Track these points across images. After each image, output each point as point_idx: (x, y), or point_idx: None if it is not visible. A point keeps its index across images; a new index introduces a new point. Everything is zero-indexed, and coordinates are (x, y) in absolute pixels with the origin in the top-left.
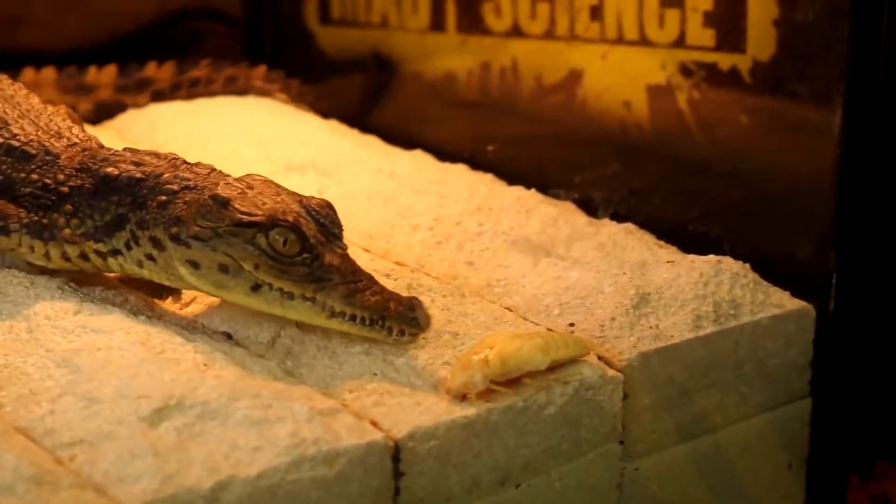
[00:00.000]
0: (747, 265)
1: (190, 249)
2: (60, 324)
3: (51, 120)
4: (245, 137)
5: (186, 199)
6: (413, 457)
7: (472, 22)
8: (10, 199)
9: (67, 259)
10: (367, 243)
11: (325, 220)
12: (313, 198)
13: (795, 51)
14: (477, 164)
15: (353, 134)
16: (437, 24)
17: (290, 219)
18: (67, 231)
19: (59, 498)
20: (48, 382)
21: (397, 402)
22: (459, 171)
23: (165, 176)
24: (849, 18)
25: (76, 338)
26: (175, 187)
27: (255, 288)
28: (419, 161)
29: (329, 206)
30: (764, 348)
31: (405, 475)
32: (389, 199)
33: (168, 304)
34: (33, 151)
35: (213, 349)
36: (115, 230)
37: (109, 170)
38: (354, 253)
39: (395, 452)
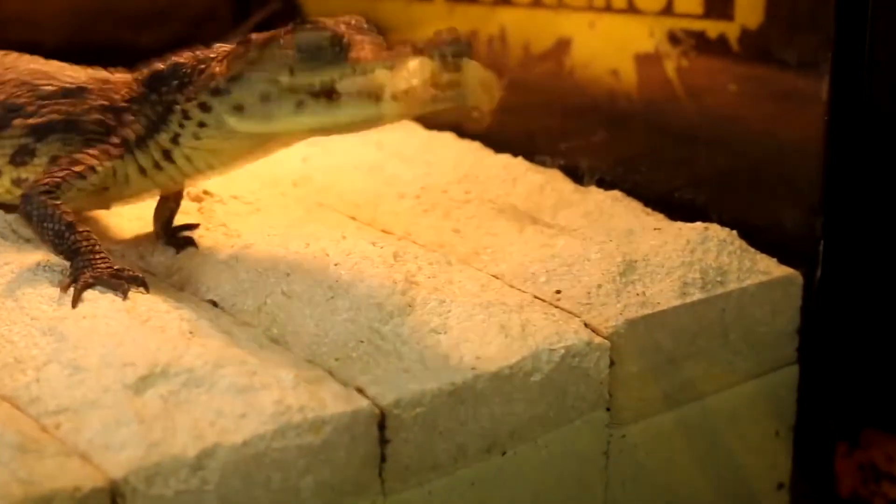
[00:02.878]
0: (734, 232)
1: (231, 95)
2: (46, 292)
3: (92, 70)
4: None
5: (219, 59)
6: (399, 424)
7: None
8: (78, 135)
9: (144, 173)
10: (353, 212)
11: (354, 21)
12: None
13: (783, 18)
14: (464, 132)
15: None
16: None
17: (306, 19)
18: (135, 137)
19: (43, 466)
20: (33, 350)
21: (383, 370)
22: (446, 139)
23: (200, 53)
24: None
25: (61, 306)
26: (211, 54)
27: (300, 104)
28: (406, 130)
29: (359, 18)
30: (751, 315)
31: (391, 442)
32: (376, 169)
33: (154, 271)
34: (90, 86)
35: (199, 317)
36: (168, 115)
37: (156, 65)
38: (340, 221)
39: (381, 420)
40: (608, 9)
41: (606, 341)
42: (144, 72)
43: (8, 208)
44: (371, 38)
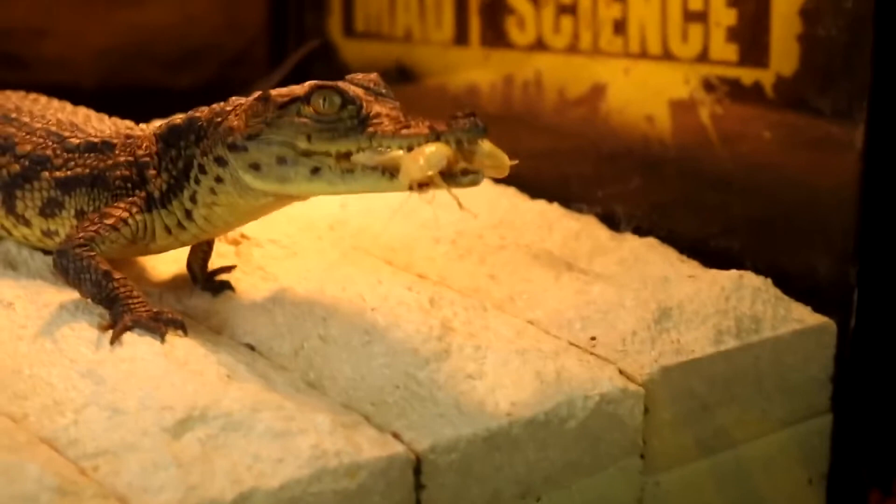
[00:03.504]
0: (769, 280)
1: (248, 152)
2: (84, 335)
3: (116, 121)
4: None
5: (237, 112)
6: (434, 469)
7: (495, 36)
8: (105, 189)
9: (168, 231)
10: (389, 256)
11: (369, 83)
12: (362, 74)
13: (818, 67)
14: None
15: None
16: (461, 37)
17: (327, 83)
18: (158, 193)
19: None
20: (72, 393)
21: (419, 415)
22: (482, 184)
23: (216, 107)
24: (871, 34)
25: (100, 349)
26: (228, 107)
27: (315, 171)
28: None
29: (375, 76)
30: (785, 363)
31: (426, 488)
32: (412, 213)
33: (192, 315)
34: (114, 141)
35: (237, 361)
36: (188, 170)
37: (175, 121)
38: (376, 265)
39: (417, 465)
40: (643, 55)
41: (641, 388)
42: (163, 127)
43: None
44: (389, 108)
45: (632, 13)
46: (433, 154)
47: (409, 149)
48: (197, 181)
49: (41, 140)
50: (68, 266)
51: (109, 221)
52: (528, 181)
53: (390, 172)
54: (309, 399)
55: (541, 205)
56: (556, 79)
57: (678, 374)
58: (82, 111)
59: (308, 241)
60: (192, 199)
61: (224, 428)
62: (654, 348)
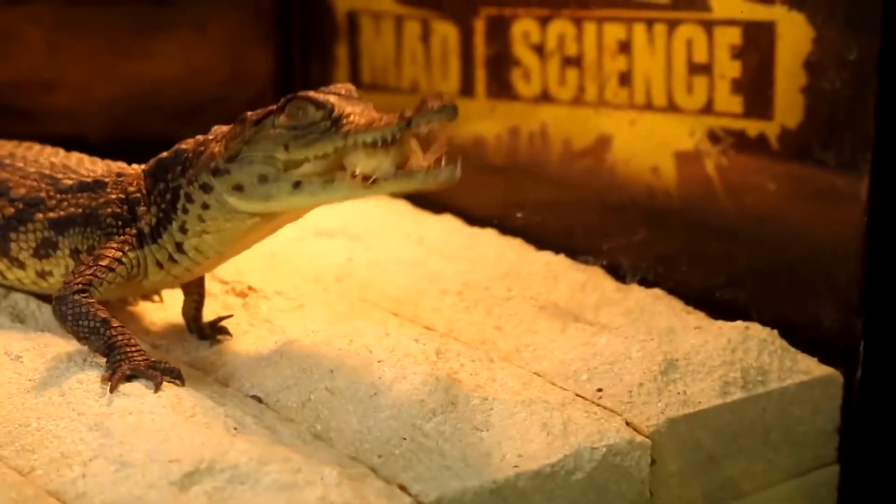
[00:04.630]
0: (775, 332)
1: (230, 174)
2: (92, 387)
3: (107, 163)
4: None
5: (218, 139)
6: None
7: (501, 87)
8: (97, 227)
9: (160, 266)
10: (396, 308)
11: (341, 91)
12: (335, 85)
13: (823, 119)
14: (506, 228)
15: (382, 198)
16: (467, 89)
17: (298, 94)
18: (148, 228)
19: None
20: (80, 446)
21: (426, 467)
22: (488, 236)
23: (200, 137)
24: (875, 86)
25: (108, 401)
26: (210, 136)
27: (297, 185)
28: (448, 226)
29: (349, 86)
30: (792, 415)
31: None
32: (418, 264)
33: (199, 367)
34: (106, 179)
35: (244, 413)
36: (175, 202)
37: (162, 156)
38: (383, 317)
39: None
40: (649, 107)
41: (648, 440)
42: (151, 162)
43: (45, 298)
44: (362, 108)
45: (637, 66)
46: (381, 160)
47: (384, 140)
48: (185, 210)
49: (35, 183)
50: (67, 312)
51: (104, 263)
52: (533, 232)
53: (372, 179)
54: (316, 451)
55: (547, 256)
56: (562, 130)
57: (685, 426)
58: (75, 155)
59: (315, 293)
60: (182, 230)
61: (231, 481)
62: (660, 400)
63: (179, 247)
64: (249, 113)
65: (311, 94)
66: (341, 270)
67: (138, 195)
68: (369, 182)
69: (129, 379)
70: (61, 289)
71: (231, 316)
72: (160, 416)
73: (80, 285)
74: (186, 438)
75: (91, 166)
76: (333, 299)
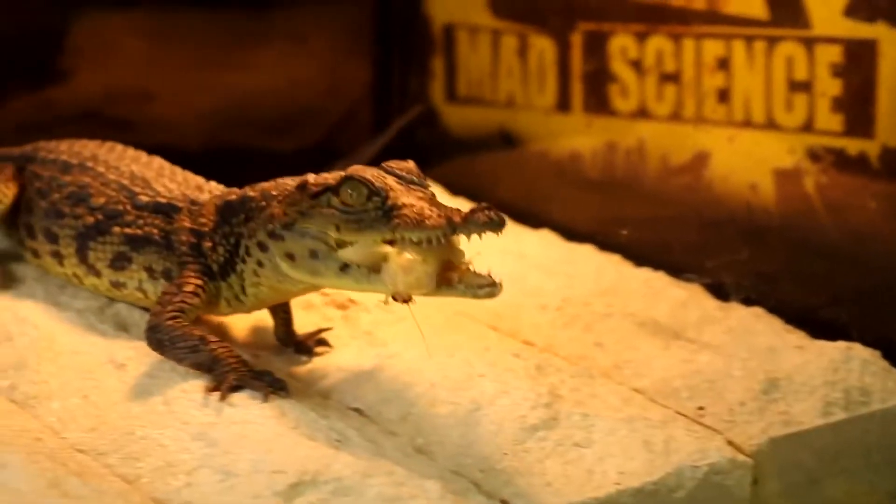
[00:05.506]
0: (878, 352)
1: (284, 241)
2: (196, 397)
3: (188, 177)
4: None
5: (279, 198)
6: None
7: (598, 103)
8: (171, 252)
9: (229, 303)
10: (495, 322)
11: (401, 171)
12: (398, 161)
13: None
14: (604, 244)
15: None
16: (564, 103)
17: (356, 174)
18: (216, 266)
19: None
20: (185, 455)
21: (527, 483)
22: (587, 251)
23: (267, 188)
24: None
25: (212, 411)
26: (275, 192)
27: (344, 268)
28: (546, 241)
29: (411, 165)
30: (894, 435)
31: None
32: (517, 279)
33: (300, 379)
34: (180, 205)
35: (346, 425)
36: (237, 248)
37: (231, 197)
38: (482, 332)
39: None
40: (748, 124)
41: (750, 459)
42: (221, 200)
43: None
44: (417, 198)
45: (736, 82)
46: (420, 276)
47: (429, 241)
48: (244, 261)
49: (114, 193)
50: (163, 339)
51: (189, 289)
52: (631, 248)
53: (416, 277)
54: (418, 465)
55: (646, 272)
56: (659, 146)
57: (786, 446)
58: (156, 163)
59: (414, 306)
60: (241, 277)
61: (335, 493)
62: (762, 419)
63: (243, 289)
64: (311, 180)
65: (369, 176)
66: None
67: (206, 230)
68: (405, 297)
69: (235, 389)
70: (152, 318)
71: (331, 329)
72: (264, 427)
73: (173, 312)
74: (290, 450)
75: (169, 183)
76: (433, 313)
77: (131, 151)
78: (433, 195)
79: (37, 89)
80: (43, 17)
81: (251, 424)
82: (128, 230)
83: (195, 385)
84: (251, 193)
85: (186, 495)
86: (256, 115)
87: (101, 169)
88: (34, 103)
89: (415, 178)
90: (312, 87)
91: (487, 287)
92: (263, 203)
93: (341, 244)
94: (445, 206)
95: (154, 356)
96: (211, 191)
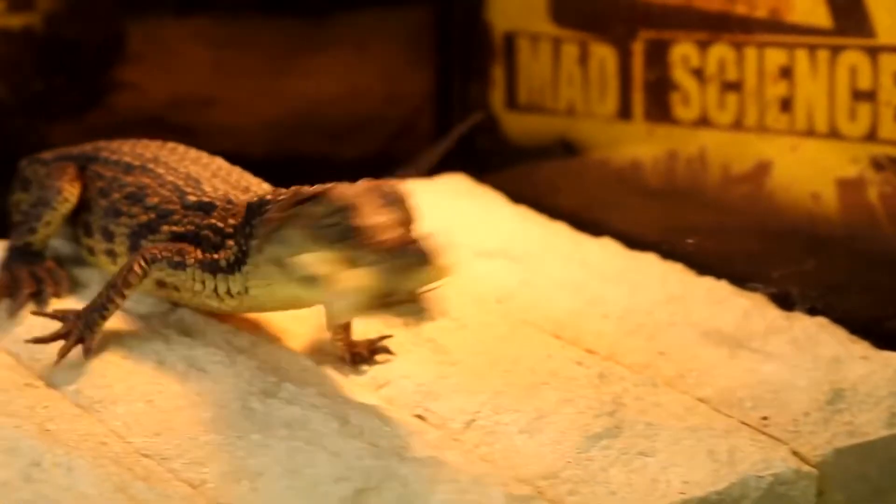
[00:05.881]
0: None
1: (272, 246)
2: (260, 404)
3: (242, 178)
4: (431, 223)
5: (279, 205)
6: None
7: (659, 111)
8: (198, 245)
9: (231, 295)
10: (557, 330)
11: (388, 192)
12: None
13: None
14: (666, 253)
15: (542, 220)
16: (625, 112)
17: (331, 188)
18: (224, 262)
19: None
20: (249, 460)
21: (591, 491)
22: (648, 260)
23: (285, 192)
24: None
25: (276, 418)
26: (282, 198)
27: (308, 280)
28: (608, 249)
29: (398, 185)
30: None
31: None
32: (579, 288)
33: (361, 386)
34: (217, 203)
35: (409, 432)
36: (249, 246)
37: (253, 199)
38: (544, 339)
39: None
40: (810, 133)
41: (814, 470)
42: (249, 202)
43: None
44: (386, 219)
45: (799, 91)
46: (351, 304)
47: (383, 264)
48: (248, 261)
49: (168, 194)
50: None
51: (174, 248)
52: (694, 257)
53: (367, 300)
54: (482, 473)
55: (709, 282)
56: (721, 155)
57: (852, 457)
58: (216, 164)
59: (477, 313)
60: (245, 276)
61: (400, 500)
62: (827, 429)
63: (246, 288)
64: (303, 189)
65: (339, 192)
66: (502, 292)
67: (230, 229)
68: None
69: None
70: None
71: (392, 336)
72: (327, 434)
73: (146, 254)
74: (355, 456)
75: (219, 184)
76: (495, 321)
77: (193, 152)
78: (409, 220)
79: (102, 96)
80: (108, 24)
81: (315, 431)
82: (175, 228)
83: (258, 390)
84: (269, 197)
85: (251, 501)
86: (318, 122)
87: (160, 170)
88: (100, 110)
89: (394, 198)
90: (373, 94)
91: (418, 317)
92: (268, 206)
93: (310, 256)
94: (409, 235)
95: (217, 360)
96: (257, 192)
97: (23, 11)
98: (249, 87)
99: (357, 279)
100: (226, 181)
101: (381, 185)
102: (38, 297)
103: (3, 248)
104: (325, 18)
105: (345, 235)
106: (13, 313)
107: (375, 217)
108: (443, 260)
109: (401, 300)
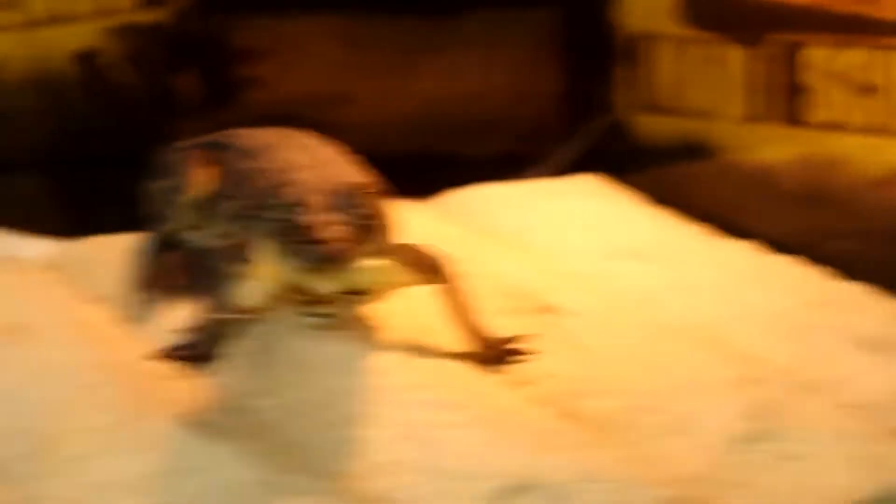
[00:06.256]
0: None
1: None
2: (406, 397)
3: (339, 170)
4: (569, 223)
5: None
6: None
7: (791, 114)
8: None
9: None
10: (698, 333)
11: (343, 193)
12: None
13: None
14: (806, 257)
15: (676, 222)
16: (754, 114)
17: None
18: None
19: None
20: (392, 456)
21: (736, 495)
22: (790, 263)
23: None
24: None
25: (418, 412)
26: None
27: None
28: (748, 252)
29: (365, 183)
30: None
31: None
32: (720, 290)
33: (504, 385)
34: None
35: (558, 429)
36: None
37: None
38: (684, 342)
39: None
40: None
41: None
42: None
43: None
44: (329, 220)
45: None
46: (252, 292)
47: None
48: None
49: (264, 181)
50: None
51: None
52: (835, 262)
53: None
54: (631, 473)
55: (853, 286)
56: (857, 159)
57: None
58: (322, 153)
59: (615, 315)
60: None
61: (549, 499)
62: None
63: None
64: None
65: (303, 194)
66: (641, 294)
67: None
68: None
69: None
70: None
71: (527, 336)
72: (475, 431)
73: None
74: (501, 454)
75: (306, 174)
76: (632, 322)
77: (305, 140)
78: (353, 222)
79: (233, 92)
80: (244, 24)
81: (462, 428)
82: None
83: (398, 385)
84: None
85: (394, 497)
86: (447, 121)
87: (265, 157)
88: (231, 106)
89: (354, 200)
90: (502, 93)
91: (326, 319)
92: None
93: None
94: (345, 240)
95: (355, 360)
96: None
97: (154, 7)
98: (379, 85)
99: (273, 268)
100: (318, 172)
101: (352, 185)
102: (175, 290)
103: (137, 240)
104: (455, 18)
105: (285, 230)
106: (151, 305)
107: (321, 218)
108: (374, 272)
109: (314, 300)
